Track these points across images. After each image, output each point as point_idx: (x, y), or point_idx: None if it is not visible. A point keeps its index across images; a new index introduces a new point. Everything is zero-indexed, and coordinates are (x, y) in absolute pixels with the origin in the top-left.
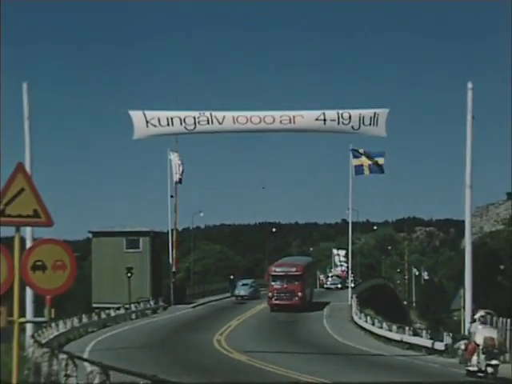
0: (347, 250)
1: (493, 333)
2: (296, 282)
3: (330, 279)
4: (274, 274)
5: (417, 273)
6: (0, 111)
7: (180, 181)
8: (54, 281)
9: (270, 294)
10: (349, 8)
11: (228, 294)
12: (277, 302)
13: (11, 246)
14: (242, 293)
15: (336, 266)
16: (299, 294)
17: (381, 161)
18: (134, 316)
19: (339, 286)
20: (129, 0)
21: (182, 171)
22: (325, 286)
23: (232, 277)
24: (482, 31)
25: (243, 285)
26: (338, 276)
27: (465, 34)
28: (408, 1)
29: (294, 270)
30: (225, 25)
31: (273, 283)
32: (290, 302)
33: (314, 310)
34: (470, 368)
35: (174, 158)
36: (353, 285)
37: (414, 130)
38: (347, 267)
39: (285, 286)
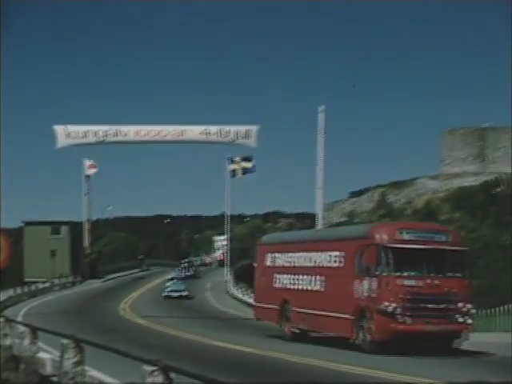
0: (225, 236)
1: None
2: (457, 274)
3: (169, 284)
4: (396, 245)
5: None
6: None
7: (88, 176)
8: None
9: (387, 305)
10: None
11: (134, 271)
12: (415, 325)
13: None
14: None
15: (217, 249)
16: (465, 305)
17: (251, 163)
18: (56, 288)
19: (185, 293)
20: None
21: (94, 171)
22: (163, 294)
23: (141, 256)
24: (334, 60)
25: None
26: (180, 279)
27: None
28: (274, 30)
29: (443, 238)
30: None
31: (392, 275)
32: (448, 325)
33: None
34: None
35: (87, 163)
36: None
37: (280, 142)
38: (226, 251)
39: (428, 280)
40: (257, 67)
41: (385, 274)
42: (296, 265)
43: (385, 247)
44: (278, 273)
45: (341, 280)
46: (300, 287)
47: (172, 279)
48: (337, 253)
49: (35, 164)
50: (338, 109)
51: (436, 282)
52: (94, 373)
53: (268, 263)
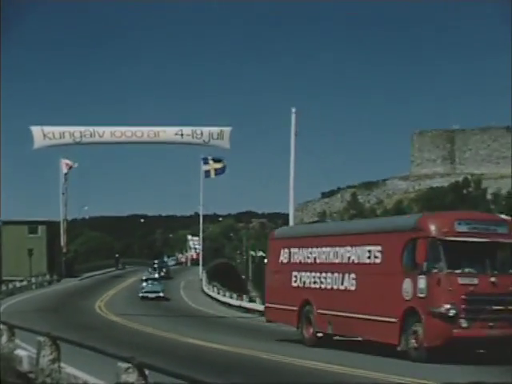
0: (199, 236)
1: None
2: None
3: (145, 284)
4: (454, 238)
5: (253, 254)
6: None
7: (66, 175)
8: None
9: (447, 307)
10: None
11: (109, 269)
12: (473, 329)
13: None
14: None
15: (190, 248)
16: None
17: (223, 164)
18: (34, 286)
19: (161, 294)
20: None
21: (67, 173)
22: (140, 294)
23: (117, 255)
24: (304, 64)
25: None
26: (157, 279)
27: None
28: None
29: (505, 230)
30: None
31: (449, 272)
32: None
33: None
34: None
35: (64, 163)
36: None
37: (253, 143)
38: (200, 250)
39: (489, 278)
40: (231, 69)
41: (440, 271)
42: (321, 261)
43: (441, 240)
44: (296, 270)
45: (383, 278)
46: (327, 286)
47: (147, 280)
48: (377, 247)
49: (12, 164)
50: (310, 110)
51: (498, 280)
52: (69, 369)
53: (284, 259)
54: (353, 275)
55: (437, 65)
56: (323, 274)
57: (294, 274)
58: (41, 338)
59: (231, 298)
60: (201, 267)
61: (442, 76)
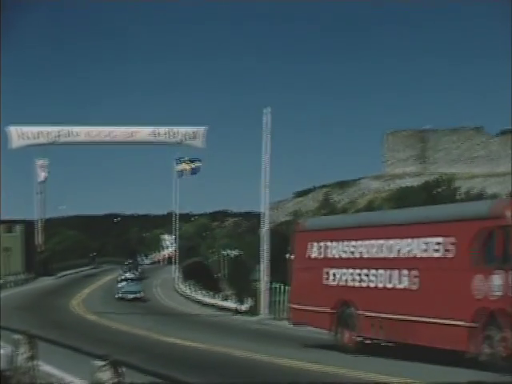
0: (173, 235)
1: None
2: None
3: (122, 285)
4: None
5: (227, 252)
6: None
7: (44, 181)
8: None
9: None
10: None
11: (85, 268)
12: None
13: None
14: None
15: (164, 248)
16: None
17: (198, 164)
18: (10, 285)
19: (140, 294)
20: None
21: (46, 175)
22: (117, 295)
23: (93, 254)
24: (277, 63)
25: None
26: (135, 279)
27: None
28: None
29: None
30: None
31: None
32: None
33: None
34: None
35: (40, 163)
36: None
37: (227, 142)
38: (173, 249)
39: None
40: (205, 68)
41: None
42: (365, 256)
43: (499, 226)
44: (331, 266)
45: (447, 275)
46: (373, 285)
47: (123, 280)
48: (439, 239)
49: None
50: (283, 109)
51: None
52: (46, 367)
53: (314, 254)
54: (410, 272)
55: (409, 64)
56: (370, 271)
57: (327, 270)
58: (17, 336)
59: (205, 296)
60: (173, 266)
61: (415, 76)
